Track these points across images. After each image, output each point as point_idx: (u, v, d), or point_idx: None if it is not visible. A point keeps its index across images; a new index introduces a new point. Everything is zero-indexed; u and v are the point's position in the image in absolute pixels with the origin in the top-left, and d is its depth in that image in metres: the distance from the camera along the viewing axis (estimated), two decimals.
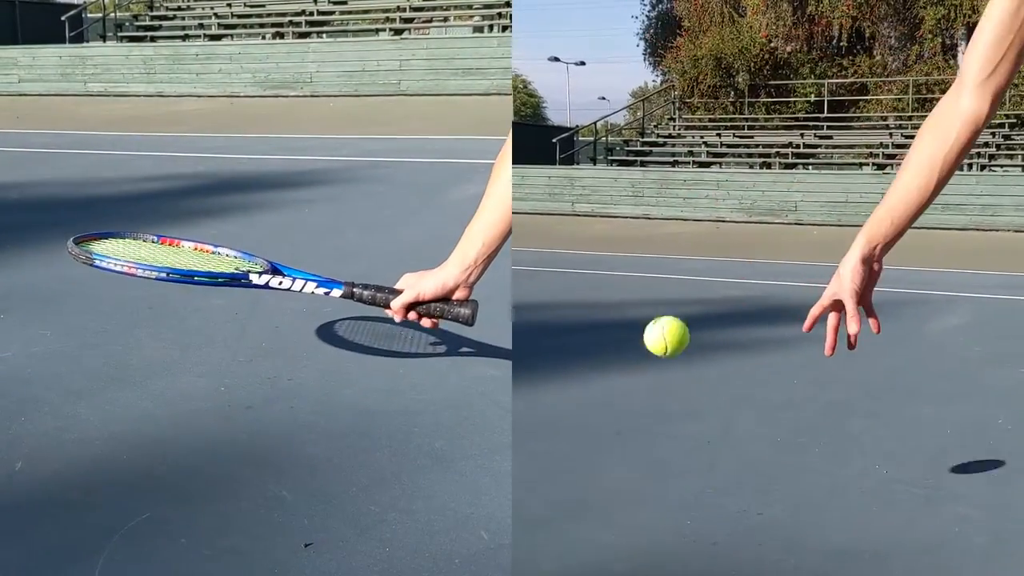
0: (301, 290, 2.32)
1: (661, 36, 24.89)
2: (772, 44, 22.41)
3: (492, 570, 1.69)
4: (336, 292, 2.31)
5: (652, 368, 4.54)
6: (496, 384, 2.52)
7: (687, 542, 2.27)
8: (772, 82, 22.31)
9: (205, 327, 3.14)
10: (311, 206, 6.01)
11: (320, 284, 2.32)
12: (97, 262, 2.30)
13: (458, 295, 2.24)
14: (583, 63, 48.15)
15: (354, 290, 2.29)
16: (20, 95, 17.31)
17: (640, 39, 26.27)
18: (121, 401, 2.43)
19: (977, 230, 15.78)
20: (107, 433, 2.23)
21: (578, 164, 21.79)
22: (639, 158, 20.95)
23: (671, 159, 20.88)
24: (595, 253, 12.08)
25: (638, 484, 2.75)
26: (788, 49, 22.57)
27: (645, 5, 30.53)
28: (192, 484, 2.01)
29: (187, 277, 2.29)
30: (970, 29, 20.15)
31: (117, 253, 2.38)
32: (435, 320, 2.27)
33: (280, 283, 2.31)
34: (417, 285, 2.24)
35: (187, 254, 2.49)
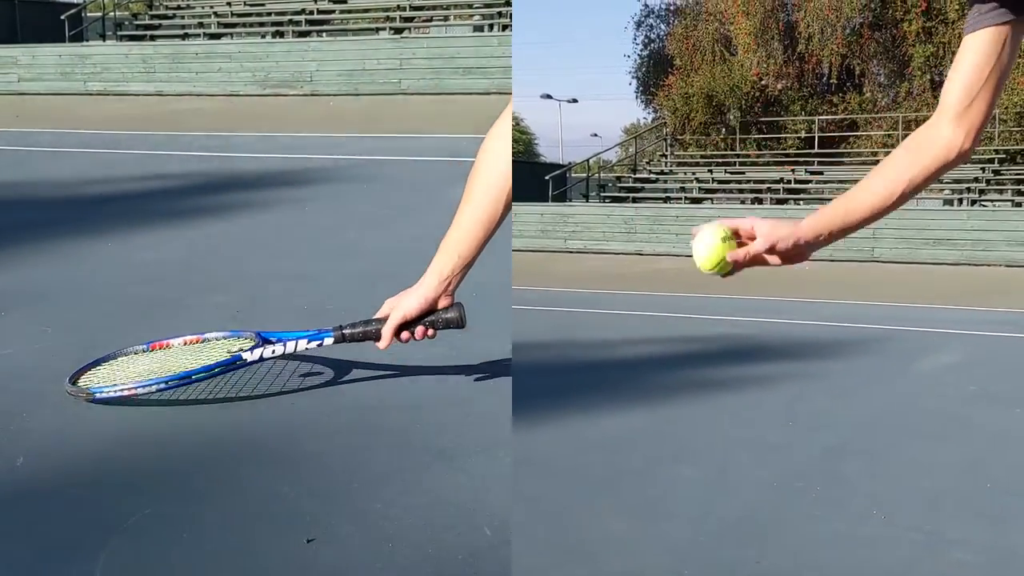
0: (295, 351, 2.40)
1: (653, 74, 25.04)
2: (763, 82, 22.57)
3: (495, 566, 1.69)
4: (328, 340, 2.38)
5: (646, 409, 4.54)
6: (497, 380, 2.52)
7: None
8: (763, 119, 22.42)
9: (206, 325, 3.13)
10: (311, 205, 6.02)
11: (311, 339, 2.40)
12: (97, 395, 2.34)
13: (441, 304, 2.30)
14: (575, 100, 48.36)
15: (344, 332, 2.35)
16: (19, 94, 17.30)
17: (632, 77, 26.45)
18: None
19: (969, 265, 15.74)
20: (109, 429, 2.23)
21: (571, 201, 21.82)
22: (631, 195, 21.00)
23: (663, 195, 20.94)
24: (589, 290, 12.06)
25: (633, 530, 2.73)
26: (779, 86, 22.70)
27: (637, 44, 30.86)
28: (194, 480, 2.01)
29: (184, 380, 2.36)
30: None
31: (114, 379, 2.43)
32: (431, 331, 2.31)
33: (273, 351, 2.39)
34: (401, 306, 2.29)
35: (178, 353, 2.56)
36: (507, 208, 2.27)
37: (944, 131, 1.61)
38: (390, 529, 1.80)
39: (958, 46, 1.61)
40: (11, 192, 6.66)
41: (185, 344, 2.59)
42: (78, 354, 2.68)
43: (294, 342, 2.39)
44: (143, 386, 2.32)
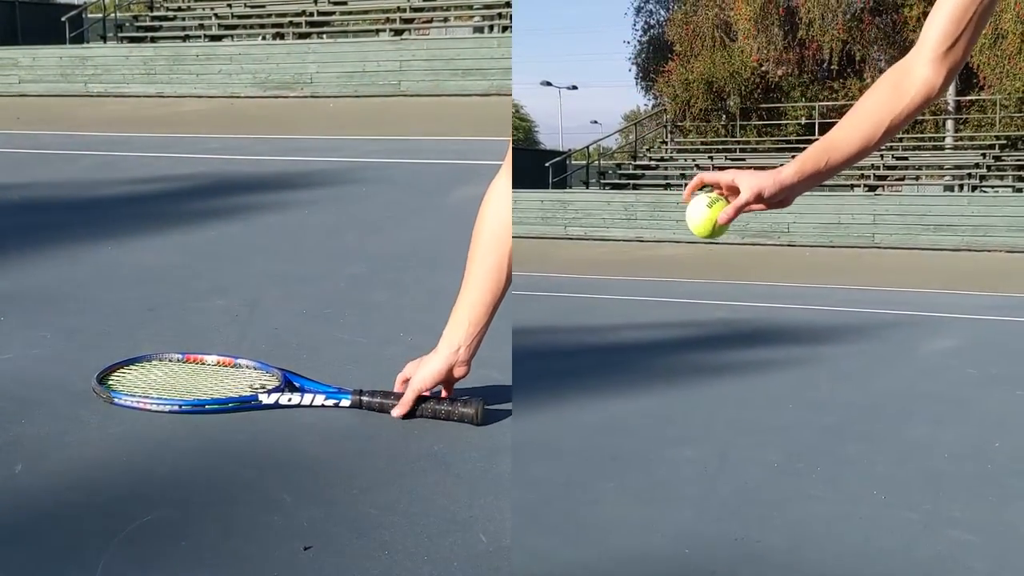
0: (311, 403, 2.40)
1: (653, 60, 25.08)
2: (763, 68, 22.57)
3: (491, 573, 1.70)
4: (345, 402, 2.39)
5: (647, 393, 4.54)
6: (495, 387, 2.52)
7: (685, 571, 2.26)
8: (763, 105, 22.42)
9: (207, 328, 3.14)
10: (311, 207, 6.02)
11: (329, 396, 2.41)
12: (116, 400, 2.38)
13: (457, 373, 2.31)
14: (575, 87, 48.46)
15: (362, 398, 2.37)
16: (20, 96, 17.32)
17: (632, 63, 26.50)
18: None
19: (969, 251, 15.75)
20: (108, 435, 2.24)
21: (571, 188, 21.84)
22: (632, 181, 21.01)
23: (663, 182, 20.96)
24: (589, 276, 12.07)
25: (635, 510, 2.74)
26: (779, 73, 22.71)
27: (636, 30, 30.85)
28: (193, 486, 2.01)
29: (197, 407, 2.37)
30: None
31: (135, 387, 2.46)
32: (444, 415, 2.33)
33: (289, 399, 2.40)
34: (416, 379, 2.30)
35: (208, 372, 2.59)
36: (511, 264, 2.26)
37: (923, 71, 1.60)
38: (386, 536, 1.81)
39: None
40: (11, 194, 6.66)
41: (218, 364, 2.63)
42: (78, 359, 2.69)
43: (312, 395, 2.41)
44: (157, 403, 2.36)
